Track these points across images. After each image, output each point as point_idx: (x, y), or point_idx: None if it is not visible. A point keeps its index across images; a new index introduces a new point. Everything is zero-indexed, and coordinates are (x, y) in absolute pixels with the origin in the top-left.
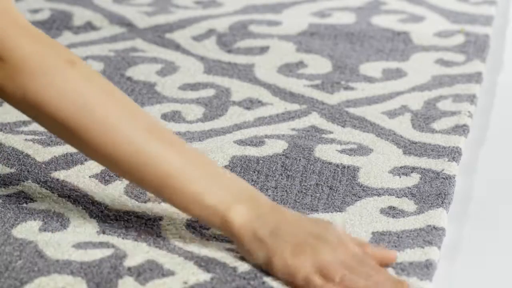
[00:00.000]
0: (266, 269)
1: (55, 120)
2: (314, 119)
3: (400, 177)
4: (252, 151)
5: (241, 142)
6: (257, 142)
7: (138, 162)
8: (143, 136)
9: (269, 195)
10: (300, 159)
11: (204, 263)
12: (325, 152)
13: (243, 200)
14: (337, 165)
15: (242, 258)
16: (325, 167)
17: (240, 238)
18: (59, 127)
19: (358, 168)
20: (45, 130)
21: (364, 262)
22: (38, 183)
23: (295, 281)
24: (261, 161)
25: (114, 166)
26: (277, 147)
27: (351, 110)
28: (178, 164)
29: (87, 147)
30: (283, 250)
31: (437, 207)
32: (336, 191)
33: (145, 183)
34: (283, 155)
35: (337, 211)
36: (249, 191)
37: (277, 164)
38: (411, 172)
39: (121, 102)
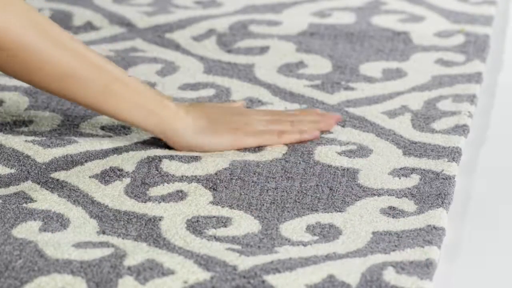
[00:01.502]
0: (231, 148)
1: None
2: None
3: (400, 178)
4: (251, 157)
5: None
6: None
7: (79, 76)
8: (73, 57)
9: (269, 195)
10: (300, 163)
11: (204, 262)
12: (325, 155)
13: (167, 101)
14: (337, 168)
15: (241, 254)
16: (325, 170)
17: (183, 131)
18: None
19: (358, 170)
20: (46, 131)
21: (273, 112)
22: (38, 184)
23: (270, 142)
24: (261, 165)
25: (55, 88)
26: (276, 151)
27: (351, 110)
28: (119, 73)
29: (27, 73)
30: (236, 127)
31: (437, 207)
32: (336, 191)
33: (84, 94)
34: (282, 159)
35: (337, 211)
36: (164, 95)
37: (277, 167)
38: (411, 173)
39: (48, 30)
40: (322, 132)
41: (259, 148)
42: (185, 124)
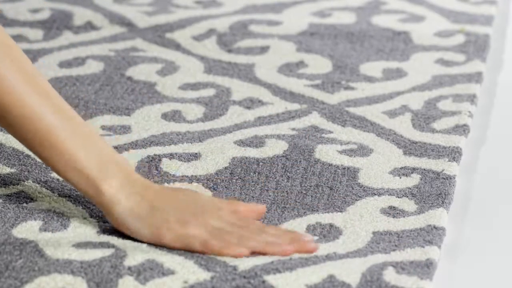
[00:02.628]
0: (156, 244)
1: None
2: (314, 118)
3: (400, 177)
4: (252, 153)
5: (241, 143)
6: (257, 143)
7: (21, 114)
8: (26, 89)
9: (269, 196)
10: (300, 161)
11: (204, 262)
12: (325, 153)
13: (117, 174)
14: (337, 167)
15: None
16: (326, 169)
17: (114, 212)
18: None
19: (358, 170)
20: None
21: (247, 220)
22: (39, 183)
23: (192, 249)
24: (261, 163)
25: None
26: (277, 148)
27: (351, 109)
28: (58, 122)
29: None
30: (168, 223)
31: (438, 207)
32: (337, 191)
33: (28, 138)
34: (283, 156)
35: (338, 211)
36: (123, 165)
37: (278, 166)
38: (412, 172)
39: (10, 55)
40: (295, 252)
41: (260, 144)
42: (117, 206)
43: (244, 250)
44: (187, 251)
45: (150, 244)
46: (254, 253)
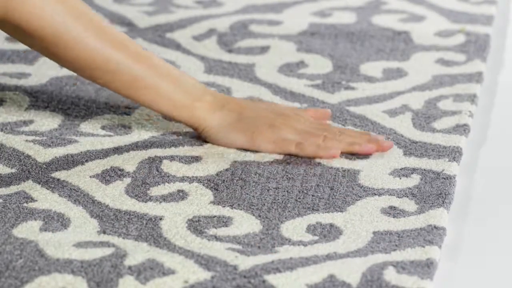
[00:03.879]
0: (248, 148)
1: (36, 36)
2: None
3: (400, 178)
4: (252, 157)
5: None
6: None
7: (108, 69)
8: (110, 49)
9: (270, 195)
10: (300, 164)
11: (205, 262)
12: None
13: (205, 96)
14: (338, 168)
15: (242, 253)
16: (326, 170)
17: (208, 129)
18: (39, 43)
19: (358, 170)
20: (46, 131)
21: (327, 124)
22: (39, 183)
23: (288, 152)
24: (261, 166)
25: (89, 74)
26: None
27: (352, 109)
28: (144, 69)
29: (65, 60)
30: (259, 128)
31: (438, 207)
32: (337, 191)
33: (115, 85)
34: (283, 161)
35: (338, 211)
36: (207, 89)
37: (278, 167)
38: (412, 173)
39: (92, 20)
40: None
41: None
42: (213, 121)
43: (335, 152)
44: (281, 153)
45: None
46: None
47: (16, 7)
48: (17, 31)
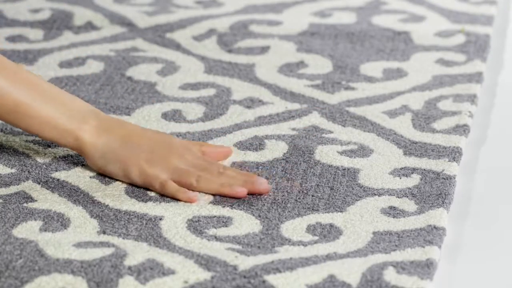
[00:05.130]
0: (122, 179)
1: None
2: (315, 118)
3: (400, 178)
4: (252, 157)
5: (241, 145)
6: (257, 145)
7: None
8: None
9: (270, 195)
10: (300, 163)
11: (205, 262)
12: (326, 154)
13: (91, 119)
14: (338, 168)
15: (242, 253)
16: (326, 170)
17: (91, 153)
18: None
19: (358, 170)
20: None
21: (211, 162)
22: (39, 183)
23: (153, 188)
24: (261, 167)
25: None
26: (277, 150)
27: (352, 109)
28: (26, 93)
29: None
30: (138, 159)
31: (438, 207)
32: (337, 191)
33: (1, 113)
34: (283, 159)
35: (338, 211)
36: (95, 111)
37: (277, 168)
38: (412, 173)
39: None
40: (249, 193)
41: (260, 147)
42: (97, 146)
43: (193, 196)
44: (147, 189)
45: (122, 182)
46: (211, 195)
47: None
48: None
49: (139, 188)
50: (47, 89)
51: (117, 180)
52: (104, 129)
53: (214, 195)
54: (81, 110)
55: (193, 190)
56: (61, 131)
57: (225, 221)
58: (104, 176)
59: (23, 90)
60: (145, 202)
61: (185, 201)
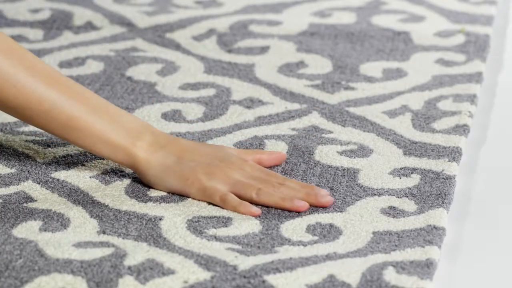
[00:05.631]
0: (180, 194)
1: None
2: (315, 118)
3: (400, 178)
4: None
5: (241, 145)
6: (257, 145)
7: (42, 109)
8: (44, 88)
9: None
10: (300, 164)
11: (204, 262)
12: (325, 155)
13: (144, 135)
14: (337, 168)
15: (242, 253)
16: (325, 170)
17: (146, 170)
18: None
19: (358, 170)
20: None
21: (270, 173)
22: (39, 183)
23: (213, 201)
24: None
25: (22, 115)
26: (277, 149)
27: (352, 109)
28: (79, 107)
29: None
30: (195, 174)
31: (438, 207)
32: (337, 191)
33: (51, 126)
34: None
35: (338, 211)
36: (148, 127)
37: (277, 169)
38: (411, 173)
39: (22, 57)
40: (310, 206)
41: (260, 147)
42: (151, 163)
43: (256, 211)
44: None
45: (178, 195)
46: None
47: None
48: None
49: (139, 188)
50: (100, 104)
51: (117, 180)
52: (158, 146)
53: (275, 208)
54: (135, 126)
55: (253, 203)
56: (115, 147)
57: (225, 221)
58: (104, 176)
59: (77, 104)
60: (145, 202)
61: (247, 214)
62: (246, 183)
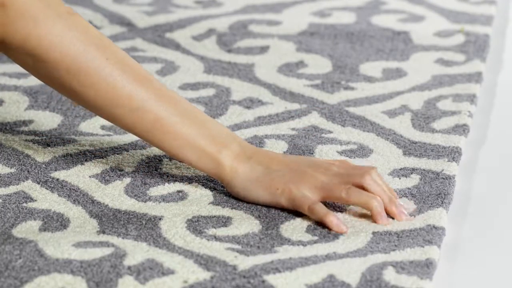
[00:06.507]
0: (270, 206)
1: (54, 66)
2: (314, 118)
3: (400, 178)
4: None
5: None
6: (257, 144)
7: (131, 107)
8: (134, 85)
9: None
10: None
11: (204, 262)
12: (325, 154)
13: (232, 144)
14: None
15: (241, 253)
16: None
17: (232, 180)
18: (57, 73)
19: None
20: (46, 130)
21: (356, 167)
22: (38, 183)
23: (302, 211)
24: None
25: (109, 113)
26: (277, 149)
27: (351, 109)
28: (168, 109)
29: (83, 95)
30: (284, 183)
31: (437, 207)
32: None
33: (137, 126)
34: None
35: (338, 211)
36: (235, 137)
37: None
38: (411, 173)
39: (115, 53)
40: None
41: (259, 146)
42: (239, 174)
43: (344, 229)
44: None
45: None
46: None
47: (35, 34)
48: (32, 59)
49: (139, 188)
50: (189, 109)
51: (116, 179)
52: (245, 156)
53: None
54: (223, 135)
55: (344, 203)
56: (201, 153)
57: (224, 221)
58: (104, 175)
59: (165, 106)
60: (145, 202)
61: (335, 230)
62: (335, 184)
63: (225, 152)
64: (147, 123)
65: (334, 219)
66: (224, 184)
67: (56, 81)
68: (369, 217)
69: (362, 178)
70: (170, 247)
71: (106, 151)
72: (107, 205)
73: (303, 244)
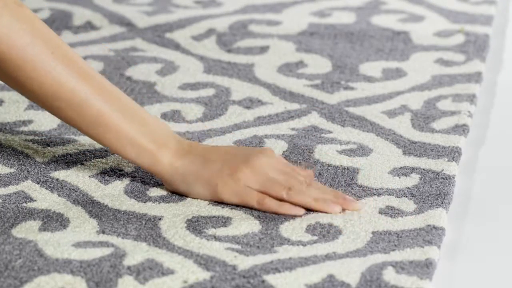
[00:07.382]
0: (211, 199)
1: (0, 58)
2: (314, 118)
3: (399, 177)
4: None
5: (240, 144)
6: (257, 143)
7: (73, 101)
8: (77, 79)
9: None
10: (299, 162)
11: (204, 262)
12: (325, 153)
13: (171, 141)
14: (337, 167)
15: (241, 253)
16: (325, 169)
17: (170, 177)
18: (3, 65)
19: (357, 170)
20: (45, 130)
21: (295, 168)
22: (38, 183)
23: (250, 207)
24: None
25: (50, 105)
26: (276, 148)
27: (351, 109)
28: (110, 105)
29: (28, 87)
30: (222, 176)
31: (437, 207)
32: None
33: (79, 120)
34: (283, 157)
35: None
36: (173, 133)
37: None
38: (411, 172)
39: (60, 47)
40: (343, 210)
41: (259, 145)
42: (177, 170)
43: (297, 212)
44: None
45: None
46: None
47: None
48: None
49: (138, 188)
50: (130, 105)
51: (116, 179)
52: (183, 152)
53: (305, 208)
54: (163, 132)
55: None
56: (140, 150)
57: (224, 221)
58: (103, 175)
59: (107, 101)
60: (144, 202)
61: (288, 215)
62: (276, 182)
63: (164, 150)
64: (89, 118)
65: (287, 206)
66: (164, 181)
67: (1, 72)
68: (369, 217)
69: (301, 184)
70: (169, 247)
71: (106, 151)
72: (106, 205)
73: (303, 244)
